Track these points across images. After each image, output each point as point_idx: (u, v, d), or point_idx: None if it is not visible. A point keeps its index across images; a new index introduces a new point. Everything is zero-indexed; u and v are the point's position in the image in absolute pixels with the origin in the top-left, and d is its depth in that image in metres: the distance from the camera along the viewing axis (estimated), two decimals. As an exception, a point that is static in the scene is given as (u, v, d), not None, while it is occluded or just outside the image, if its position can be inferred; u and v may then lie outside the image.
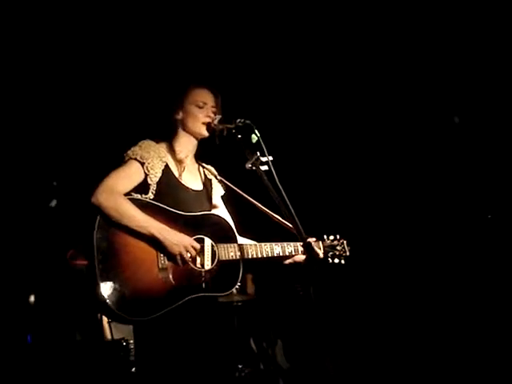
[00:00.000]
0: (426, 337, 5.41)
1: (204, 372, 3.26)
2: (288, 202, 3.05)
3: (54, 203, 4.99)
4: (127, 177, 3.25)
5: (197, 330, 3.27)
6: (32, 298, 4.85)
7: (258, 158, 3.15)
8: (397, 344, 5.50)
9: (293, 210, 3.05)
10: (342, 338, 5.53)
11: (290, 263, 3.60)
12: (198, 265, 3.23)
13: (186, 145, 3.47)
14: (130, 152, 3.32)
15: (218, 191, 3.64)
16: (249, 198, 3.57)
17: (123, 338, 4.67)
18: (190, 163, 3.52)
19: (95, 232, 3.06)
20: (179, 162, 3.42)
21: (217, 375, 3.34)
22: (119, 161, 3.36)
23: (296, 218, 3.07)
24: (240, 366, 5.16)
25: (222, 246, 3.30)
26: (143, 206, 3.19)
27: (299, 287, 5.44)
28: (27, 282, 4.94)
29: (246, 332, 5.62)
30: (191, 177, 3.49)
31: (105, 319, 4.89)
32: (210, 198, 3.55)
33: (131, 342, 4.59)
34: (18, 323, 4.93)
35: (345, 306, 5.63)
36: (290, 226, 3.19)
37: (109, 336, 4.87)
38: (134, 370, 4.46)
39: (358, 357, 5.57)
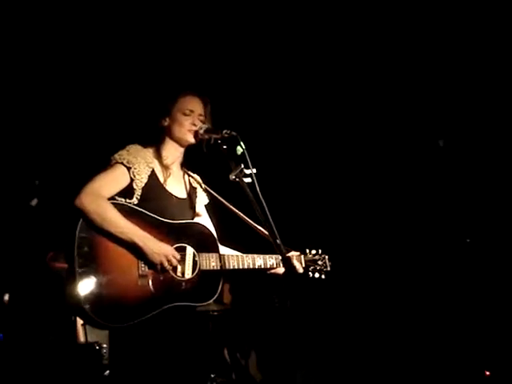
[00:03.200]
0: (402, 353, 5.45)
1: (177, 380, 3.26)
2: (269, 216, 3.06)
3: (34, 202, 4.95)
4: (113, 181, 3.25)
5: (172, 338, 3.27)
6: (6, 297, 4.81)
7: (242, 170, 3.16)
8: (372, 359, 5.53)
9: (273, 225, 3.06)
10: (317, 351, 5.54)
11: (271, 275, 3.61)
12: (179, 273, 3.23)
13: (172, 152, 3.47)
14: (116, 156, 3.30)
15: (202, 200, 3.64)
16: (233, 208, 3.58)
17: (97, 342, 4.64)
18: (176, 170, 3.52)
19: (77, 235, 3.05)
20: (165, 168, 3.42)
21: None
22: (103, 161, 3.36)
23: (276, 233, 3.08)
24: (212, 376, 5.14)
25: (203, 255, 3.31)
26: (126, 212, 3.18)
27: (276, 299, 5.45)
28: (2, 280, 4.89)
29: (220, 342, 5.61)
30: (176, 184, 3.49)
31: (79, 321, 4.86)
32: (193, 207, 3.55)
33: (104, 346, 4.56)
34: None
35: (322, 319, 5.65)
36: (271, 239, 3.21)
37: (82, 339, 4.84)
38: (106, 373, 4.43)
39: (331, 371, 5.59)
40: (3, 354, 4.68)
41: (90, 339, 4.77)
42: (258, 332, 5.92)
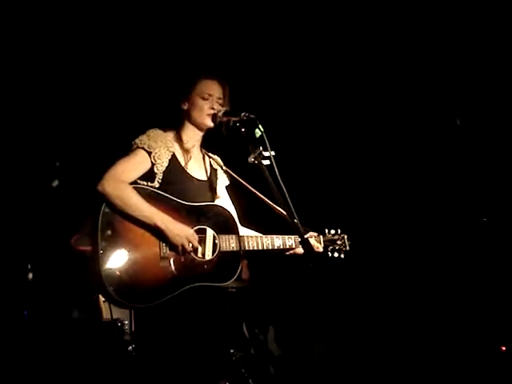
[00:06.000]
0: (418, 331, 5.48)
1: (197, 356, 3.34)
2: (288, 198, 3.09)
3: (55, 183, 5.03)
4: (134, 166, 3.31)
5: (192, 315, 3.36)
6: (30, 275, 4.91)
7: (261, 153, 3.19)
8: (388, 336, 5.58)
9: (292, 207, 3.10)
10: (334, 328, 5.60)
11: (291, 255, 3.67)
12: (199, 255, 3.30)
13: (192, 135, 3.53)
14: (137, 141, 3.37)
15: (222, 181, 3.70)
16: (253, 189, 3.62)
17: (118, 319, 4.73)
18: (196, 153, 3.58)
19: (100, 219, 3.13)
20: (186, 151, 3.49)
21: (211, 360, 3.43)
22: (123, 144, 3.42)
23: (294, 215, 3.11)
24: (232, 351, 5.21)
25: (223, 236, 3.37)
26: (148, 195, 3.25)
27: (294, 274, 5.50)
28: (26, 260, 4.98)
29: (239, 317, 5.68)
30: (197, 166, 3.55)
31: (101, 298, 4.95)
32: (214, 188, 3.61)
33: (126, 322, 4.65)
34: (16, 298, 4.98)
35: (339, 298, 5.69)
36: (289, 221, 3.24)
37: (105, 315, 4.92)
38: (129, 348, 4.52)
39: (348, 346, 5.64)
40: (27, 330, 4.80)
41: (112, 316, 4.86)
42: (276, 307, 5.97)
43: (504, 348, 5.11)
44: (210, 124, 3.47)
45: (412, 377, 5.25)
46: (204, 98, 3.47)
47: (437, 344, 5.34)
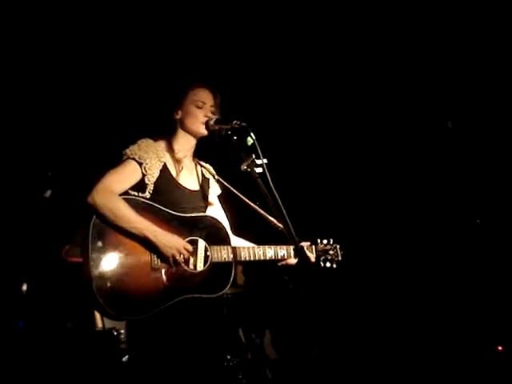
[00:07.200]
0: (413, 333, 5.50)
1: (194, 363, 3.32)
2: (281, 206, 3.08)
3: (48, 193, 5.02)
4: (124, 177, 3.29)
5: (187, 323, 3.33)
6: (24, 287, 4.90)
7: (253, 161, 3.18)
8: (385, 338, 5.59)
9: (286, 214, 3.09)
10: (331, 331, 5.60)
11: (283, 265, 3.67)
12: (191, 266, 3.28)
13: (184, 144, 3.51)
14: (128, 151, 3.34)
15: (214, 191, 3.67)
16: (245, 199, 3.60)
17: (114, 328, 4.72)
18: (188, 162, 3.56)
19: (90, 231, 3.10)
20: (177, 161, 3.47)
21: (206, 366, 3.40)
22: (115, 153, 3.40)
23: (289, 222, 3.10)
24: (229, 357, 5.21)
25: (215, 247, 3.35)
26: (139, 206, 3.23)
27: (289, 279, 5.49)
28: (20, 270, 4.98)
29: (235, 323, 5.68)
30: (189, 176, 3.53)
31: (96, 308, 4.93)
32: (206, 198, 3.59)
33: (122, 331, 4.64)
34: (11, 309, 4.98)
35: (335, 302, 5.70)
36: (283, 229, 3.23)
37: (100, 325, 4.91)
38: (124, 359, 4.51)
39: (345, 350, 5.65)
40: (22, 340, 4.78)
41: (107, 325, 4.85)
42: (271, 311, 5.97)
43: (500, 348, 5.12)
44: (204, 132, 3.47)
45: (408, 378, 5.26)
46: (198, 107, 3.46)
47: (432, 345, 5.35)
